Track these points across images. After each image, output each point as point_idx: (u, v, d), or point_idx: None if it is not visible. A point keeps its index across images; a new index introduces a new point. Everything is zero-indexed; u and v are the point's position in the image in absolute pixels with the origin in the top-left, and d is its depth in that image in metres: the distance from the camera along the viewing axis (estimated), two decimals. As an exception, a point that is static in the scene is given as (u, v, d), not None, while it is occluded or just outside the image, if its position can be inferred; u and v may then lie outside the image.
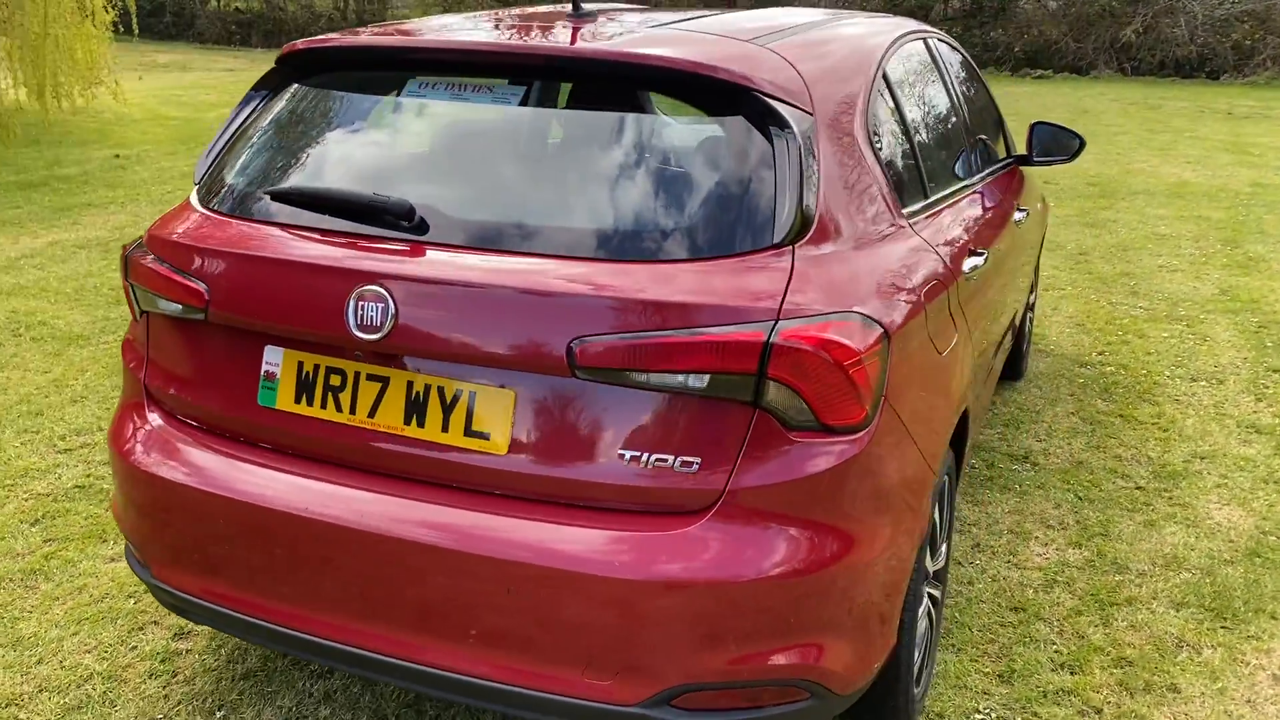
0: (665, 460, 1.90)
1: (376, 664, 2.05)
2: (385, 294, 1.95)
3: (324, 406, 2.08)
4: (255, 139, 2.34)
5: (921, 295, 2.21)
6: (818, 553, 1.93)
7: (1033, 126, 3.92)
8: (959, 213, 2.77)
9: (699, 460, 1.90)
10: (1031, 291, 4.51)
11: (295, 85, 2.38)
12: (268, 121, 2.35)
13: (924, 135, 2.91)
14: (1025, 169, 3.99)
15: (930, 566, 2.51)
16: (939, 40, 3.34)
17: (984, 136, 3.57)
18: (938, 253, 2.41)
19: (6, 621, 2.86)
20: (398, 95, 2.25)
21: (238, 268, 2.13)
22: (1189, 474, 3.79)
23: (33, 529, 3.34)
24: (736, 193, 1.99)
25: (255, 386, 2.14)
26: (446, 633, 1.98)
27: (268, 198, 2.19)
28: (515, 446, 1.96)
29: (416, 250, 2.01)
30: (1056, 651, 2.77)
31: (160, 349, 2.31)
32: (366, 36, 2.32)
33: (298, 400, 2.11)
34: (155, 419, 2.30)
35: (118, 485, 2.35)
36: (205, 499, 2.13)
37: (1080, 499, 3.61)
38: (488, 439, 1.97)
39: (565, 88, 2.25)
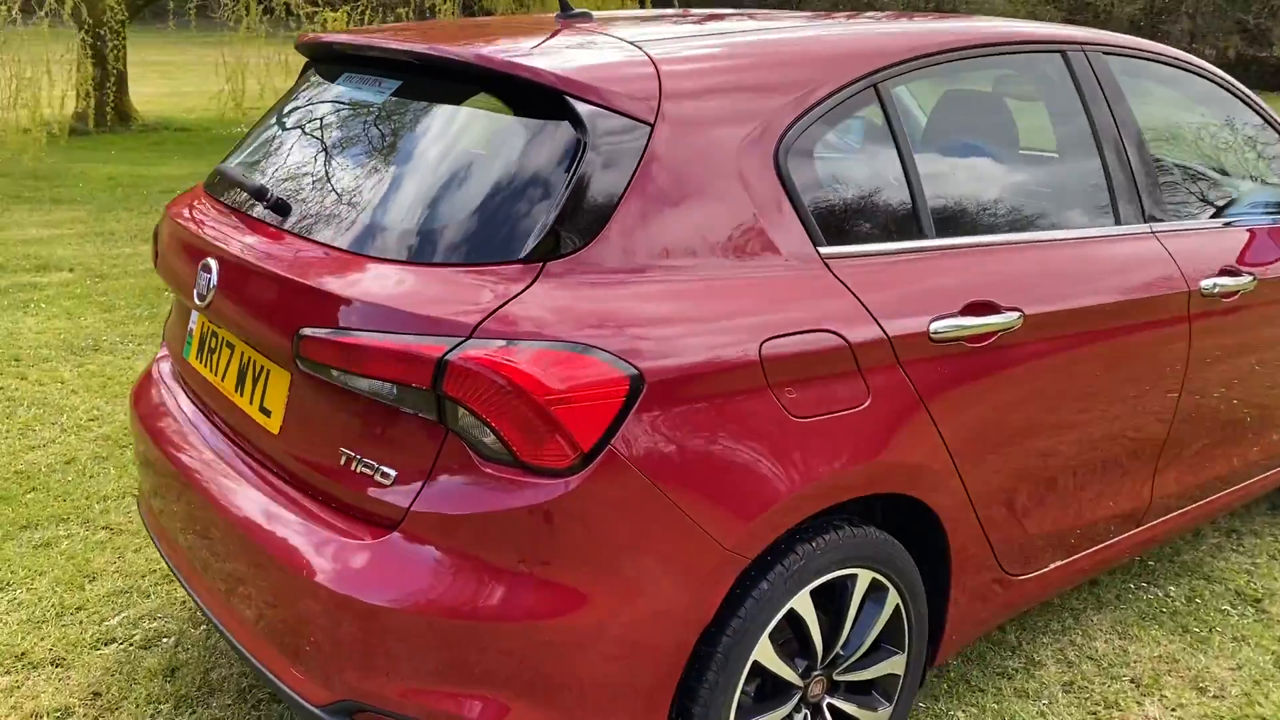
0: (370, 467, 1.84)
1: (208, 619, 2.21)
2: (212, 267, 2.11)
3: (205, 364, 2.29)
4: (263, 122, 2.59)
5: (769, 345, 1.87)
6: (502, 600, 1.75)
7: None
8: (987, 262, 2.27)
9: (395, 473, 1.81)
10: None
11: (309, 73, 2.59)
12: (277, 108, 2.59)
13: (968, 168, 2.43)
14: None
15: (822, 679, 2.13)
16: (1098, 55, 2.70)
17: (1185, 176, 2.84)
18: (862, 300, 2.01)
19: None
20: (332, 85, 2.37)
21: (167, 238, 2.41)
22: None
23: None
24: (506, 200, 1.85)
25: (184, 340, 2.42)
26: (229, 597, 2.09)
27: (218, 177, 2.44)
28: (284, 428, 2.01)
29: (247, 230, 2.13)
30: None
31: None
32: (327, 34, 2.47)
33: (198, 357, 2.34)
34: (164, 366, 2.65)
35: None
36: (143, 440, 2.44)
37: None
38: (269, 416, 2.04)
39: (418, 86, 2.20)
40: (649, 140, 1.89)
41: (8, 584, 2.97)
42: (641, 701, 1.87)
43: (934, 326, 2.10)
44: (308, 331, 1.83)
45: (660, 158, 1.89)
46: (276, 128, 2.40)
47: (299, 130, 2.32)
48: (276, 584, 1.91)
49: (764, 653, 2.00)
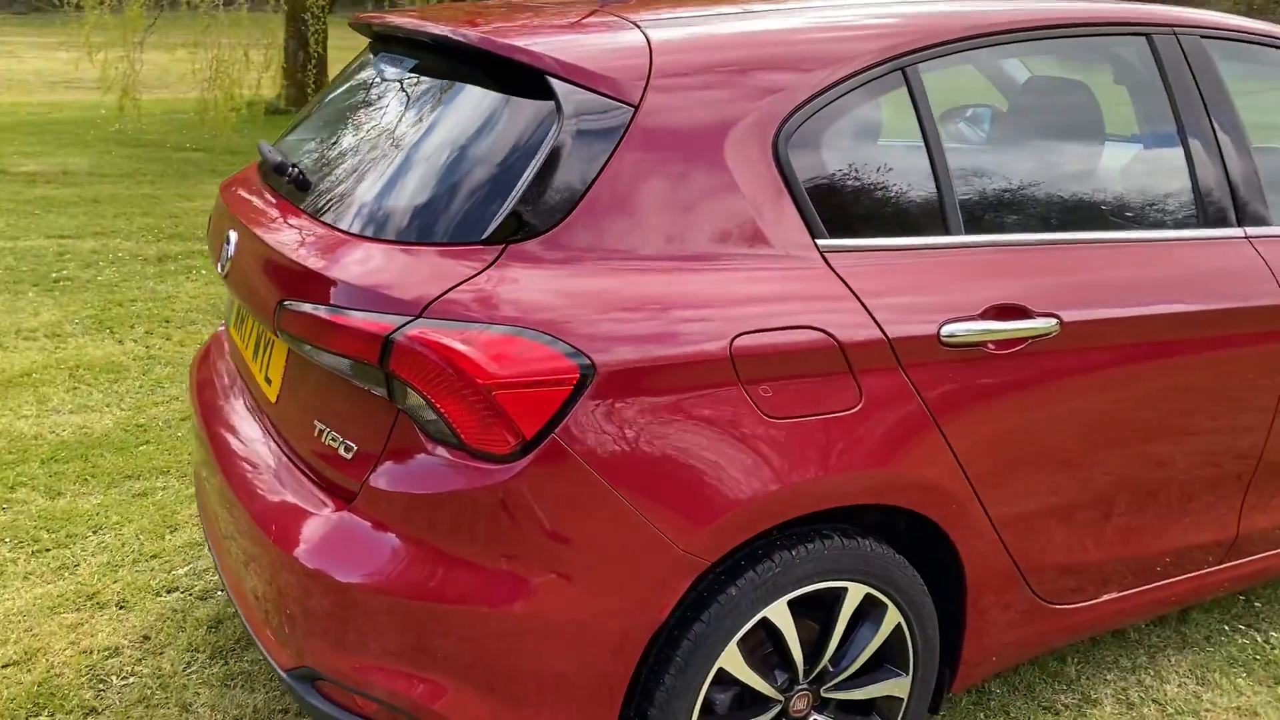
0: (336, 440, 1.87)
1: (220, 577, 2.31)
2: (231, 240, 2.18)
3: (239, 333, 2.38)
4: (316, 100, 2.66)
5: (743, 340, 1.78)
6: (441, 581, 1.75)
7: None
8: (1021, 262, 2.09)
9: (356, 448, 1.84)
10: None
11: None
12: (329, 86, 2.65)
13: (1014, 160, 2.24)
14: None
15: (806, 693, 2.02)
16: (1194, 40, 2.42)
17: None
18: (859, 296, 1.89)
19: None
20: (368, 65, 2.40)
21: (213, 211, 2.52)
22: None
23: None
24: (480, 179, 1.82)
25: (231, 310, 2.52)
26: (228, 555, 2.18)
27: (261, 155, 2.52)
28: (279, 398, 2.06)
29: (266, 206, 2.19)
30: None
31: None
32: (366, 14, 2.50)
33: (235, 326, 2.44)
34: (222, 336, 2.77)
35: None
36: (193, 406, 2.57)
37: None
38: (270, 385, 2.11)
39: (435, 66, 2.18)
40: (630, 122, 1.83)
41: (100, 528, 3.19)
42: (588, 698, 1.83)
43: (946, 330, 1.95)
44: (286, 304, 1.88)
45: (641, 141, 1.83)
46: (318, 106, 2.47)
47: (331, 109, 2.38)
48: (253, 545, 1.97)
49: (732, 661, 1.92)
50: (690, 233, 1.83)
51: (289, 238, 1.97)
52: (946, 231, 2.05)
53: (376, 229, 1.85)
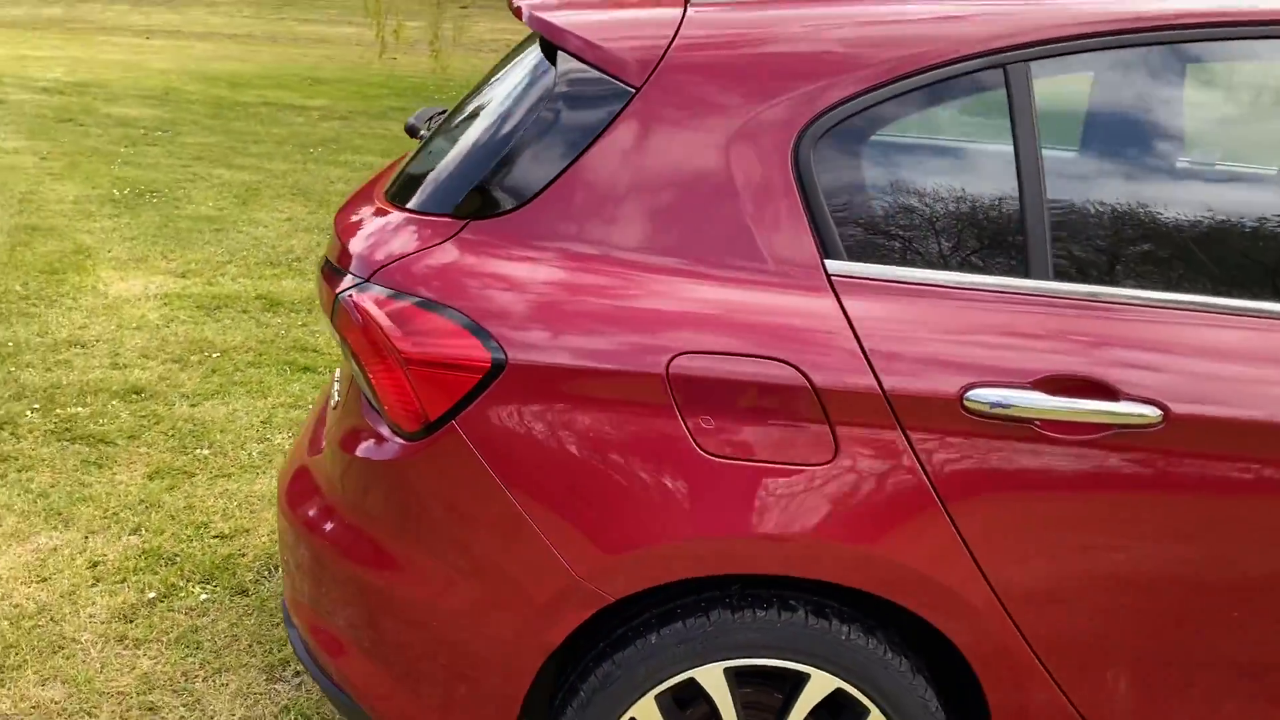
0: (338, 392, 1.95)
1: None
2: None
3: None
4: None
5: (684, 361, 1.56)
6: (337, 541, 1.79)
7: None
8: (1119, 324, 1.59)
9: (337, 400, 1.90)
10: None
11: None
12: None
13: (1139, 196, 1.68)
14: None
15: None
16: None
17: None
18: (857, 333, 1.57)
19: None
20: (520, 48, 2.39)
21: None
22: None
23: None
24: (472, 151, 1.76)
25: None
26: None
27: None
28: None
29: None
30: None
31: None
32: None
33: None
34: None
35: None
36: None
37: None
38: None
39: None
40: (626, 106, 1.66)
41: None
42: (484, 707, 1.73)
43: (976, 394, 1.55)
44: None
45: (636, 128, 1.66)
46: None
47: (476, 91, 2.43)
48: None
49: (646, 716, 1.71)
50: (669, 233, 1.63)
51: (361, 204, 2.04)
52: (1022, 271, 1.62)
53: (399, 198, 1.86)
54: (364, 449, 1.74)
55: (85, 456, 3.37)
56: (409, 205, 1.79)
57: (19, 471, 3.26)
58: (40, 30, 15.11)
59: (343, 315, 1.71)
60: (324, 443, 1.90)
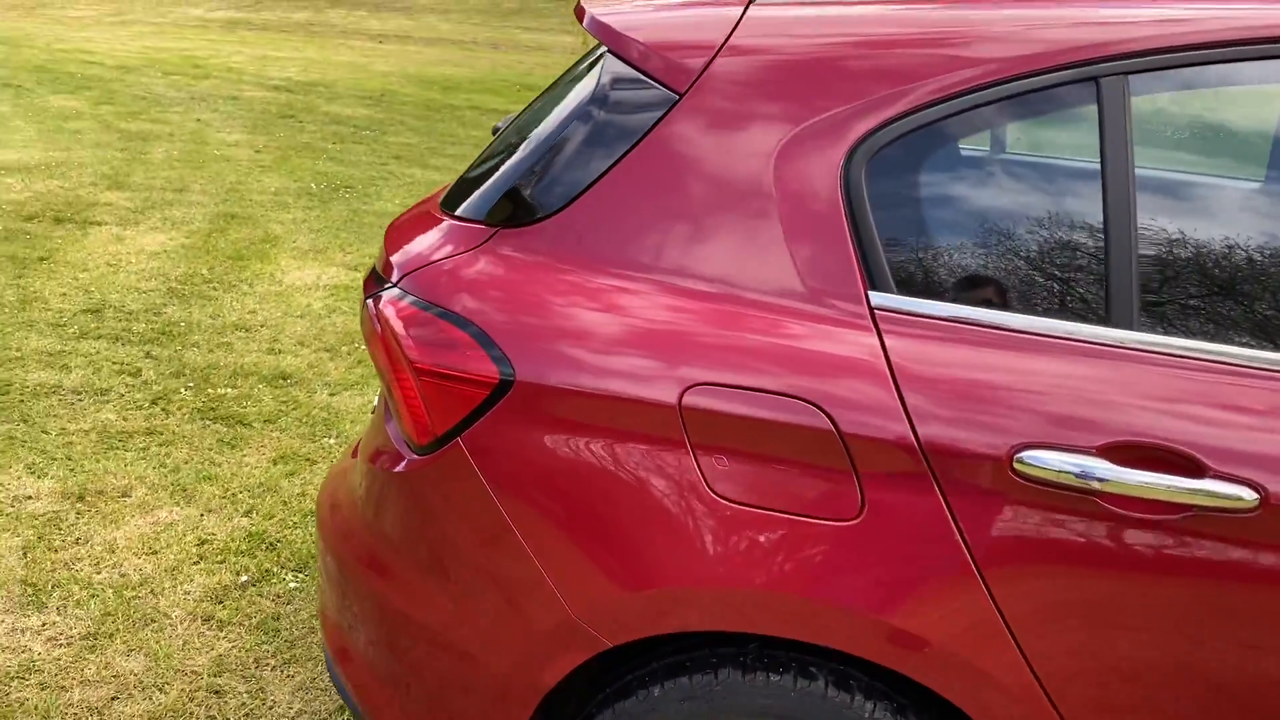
0: (381, 398, 1.91)
1: None
2: None
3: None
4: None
5: (699, 393, 1.43)
6: (348, 547, 1.77)
7: None
8: (1220, 387, 1.33)
9: (377, 405, 1.86)
10: None
11: None
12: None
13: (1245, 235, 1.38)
14: None
15: None
16: None
17: None
18: (895, 377, 1.38)
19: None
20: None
21: None
22: None
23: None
24: (516, 155, 1.69)
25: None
26: None
27: None
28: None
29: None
30: None
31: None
32: None
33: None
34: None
35: None
36: None
37: None
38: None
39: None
40: (669, 113, 1.54)
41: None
42: None
43: (1029, 457, 1.34)
44: None
45: (675, 137, 1.53)
46: None
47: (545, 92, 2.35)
48: None
49: (650, 772, 1.57)
50: (698, 253, 1.50)
51: (417, 212, 2.00)
52: (1100, 317, 1.39)
53: (445, 204, 1.80)
54: (381, 459, 1.69)
55: (221, 436, 3.52)
56: (455, 212, 1.72)
57: (160, 446, 3.43)
58: (286, 33, 16.26)
59: (367, 320, 1.66)
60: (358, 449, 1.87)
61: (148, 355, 4.10)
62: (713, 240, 1.49)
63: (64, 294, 4.66)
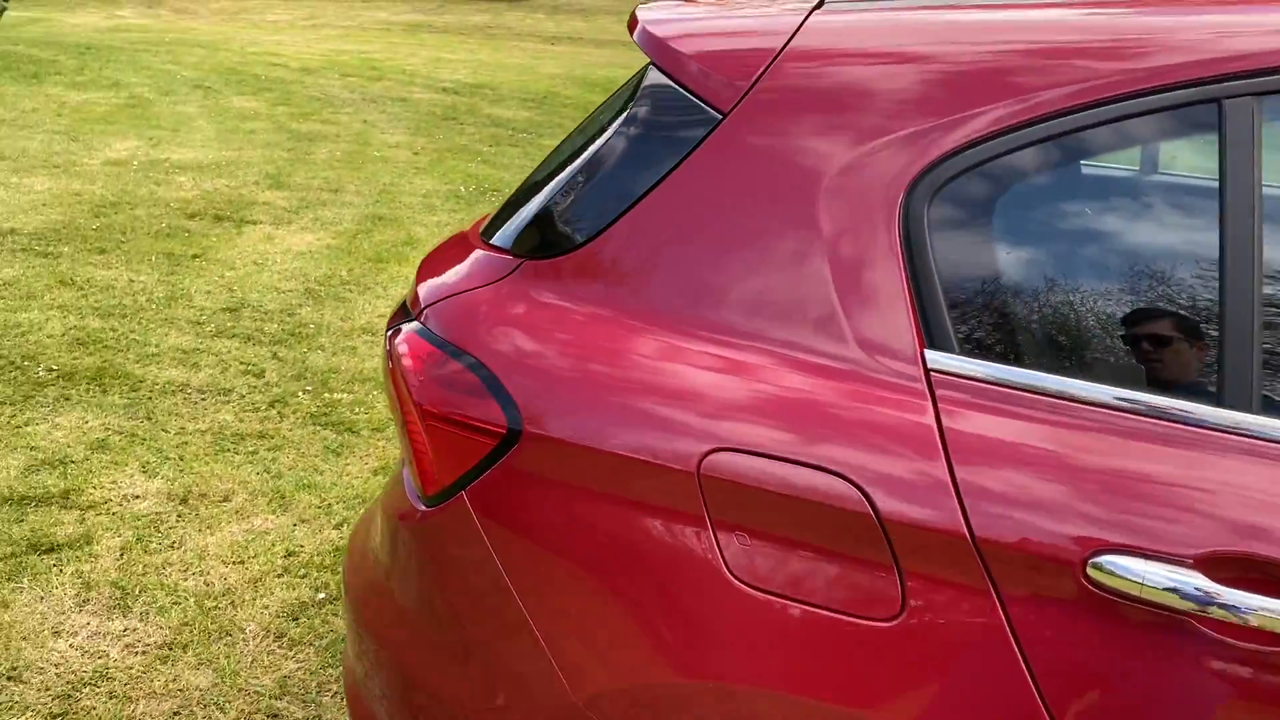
0: (414, 430, 1.79)
1: None
2: None
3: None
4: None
5: (719, 459, 1.24)
6: (356, 592, 1.65)
7: None
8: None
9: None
10: None
11: None
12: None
13: None
14: None
15: None
16: None
17: None
18: (948, 451, 1.16)
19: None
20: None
21: None
22: None
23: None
24: (554, 185, 1.53)
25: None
26: None
27: None
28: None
29: None
30: None
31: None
32: None
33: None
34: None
35: None
36: None
37: None
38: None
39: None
40: (709, 135, 1.35)
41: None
42: None
43: (1106, 562, 1.09)
44: None
45: (716, 162, 1.35)
46: None
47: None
48: None
49: None
50: (731, 297, 1.31)
51: (455, 240, 1.88)
52: (1210, 395, 1.12)
53: (484, 232, 1.67)
54: (395, 506, 1.57)
55: (329, 443, 3.51)
56: (490, 240, 1.59)
57: (269, 450, 3.45)
58: (464, 35, 16.67)
59: (389, 355, 1.54)
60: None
61: (274, 356, 4.16)
62: (746, 283, 1.30)
63: (209, 291, 4.80)
